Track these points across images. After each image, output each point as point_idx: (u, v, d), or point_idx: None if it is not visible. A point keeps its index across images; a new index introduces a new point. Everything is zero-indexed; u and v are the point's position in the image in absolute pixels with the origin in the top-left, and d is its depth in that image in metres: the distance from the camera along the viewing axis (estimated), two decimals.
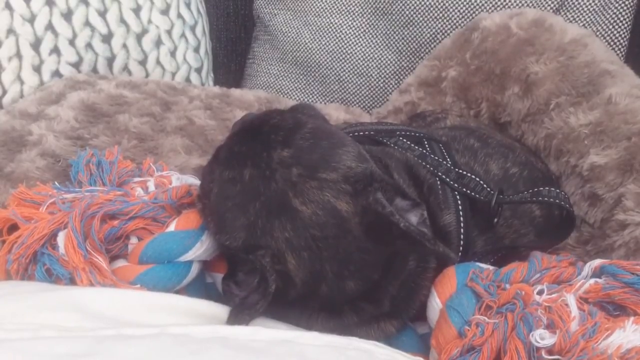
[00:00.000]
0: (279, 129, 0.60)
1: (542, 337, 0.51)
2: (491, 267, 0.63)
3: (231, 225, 0.58)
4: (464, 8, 1.17)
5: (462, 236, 0.68)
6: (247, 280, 0.58)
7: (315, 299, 0.59)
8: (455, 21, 1.18)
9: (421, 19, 1.22)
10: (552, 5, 1.13)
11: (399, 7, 1.24)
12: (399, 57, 1.27)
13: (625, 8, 1.12)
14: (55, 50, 1.07)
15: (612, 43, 1.12)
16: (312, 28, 1.34)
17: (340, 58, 1.32)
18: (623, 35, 1.12)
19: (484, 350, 0.52)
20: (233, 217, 0.58)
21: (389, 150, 0.74)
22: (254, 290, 0.57)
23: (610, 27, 1.12)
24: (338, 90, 1.33)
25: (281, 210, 0.56)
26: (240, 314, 0.57)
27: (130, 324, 0.52)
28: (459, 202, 0.69)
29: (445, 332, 0.57)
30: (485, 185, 0.70)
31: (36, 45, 1.05)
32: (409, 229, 0.54)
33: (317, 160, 0.58)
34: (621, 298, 0.56)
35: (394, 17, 1.25)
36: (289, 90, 1.40)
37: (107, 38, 1.14)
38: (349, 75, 1.32)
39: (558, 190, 0.71)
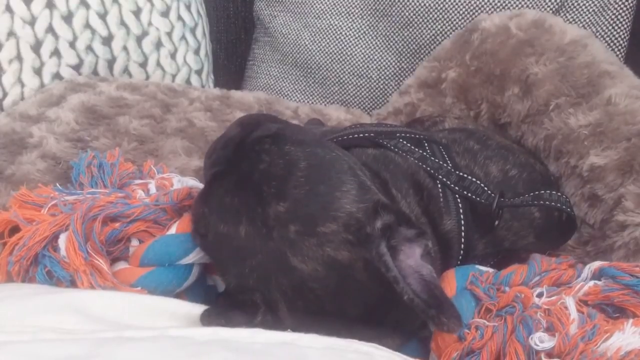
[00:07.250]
0: (270, 177, 0.57)
1: (541, 340, 0.51)
2: (491, 270, 0.62)
3: (226, 270, 0.58)
4: (464, 9, 1.17)
5: (462, 240, 0.68)
6: (239, 302, 0.57)
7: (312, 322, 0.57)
8: (454, 22, 1.18)
9: (421, 20, 1.22)
10: (551, 6, 1.13)
11: (398, 8, 1.24)
12: (398, 59, 1.27)
13: (624, 9, 1.12)
14: (56, 52, 1.07)
15: (611, 44, 1.13)
16: (312, 30, 1.34)
17: (340, 59, 1.32)
18: (622, 36, 1.12)
19: (483, 353, 0.52)
20: (229, 265, 0.58)
21: (389, 155, 0.73)
22: (241, 308, 0.56)
23: (610, 28, 1.12)
24: (338, 91, 1.34)
25: (279, 268, 0.55)
26: (218, 316, 0.55)
27: (130, 327, 0.52)
28: (460, 205, 0.69)
29: (445, 336, 0.57)
30: (486, 188, 0.70)
31: (37, 47, 1.05)
32: (412, 303, 0.51)
33: (315, 211, 0.55)
34: (620, 300, 0.56)
35: (393, 19, 1.25)
36: (289, 92, 1.40)
37: (107, 40, 1.15)
38: (349, 77, 1.32)
39: (559, 194, 0.71)
